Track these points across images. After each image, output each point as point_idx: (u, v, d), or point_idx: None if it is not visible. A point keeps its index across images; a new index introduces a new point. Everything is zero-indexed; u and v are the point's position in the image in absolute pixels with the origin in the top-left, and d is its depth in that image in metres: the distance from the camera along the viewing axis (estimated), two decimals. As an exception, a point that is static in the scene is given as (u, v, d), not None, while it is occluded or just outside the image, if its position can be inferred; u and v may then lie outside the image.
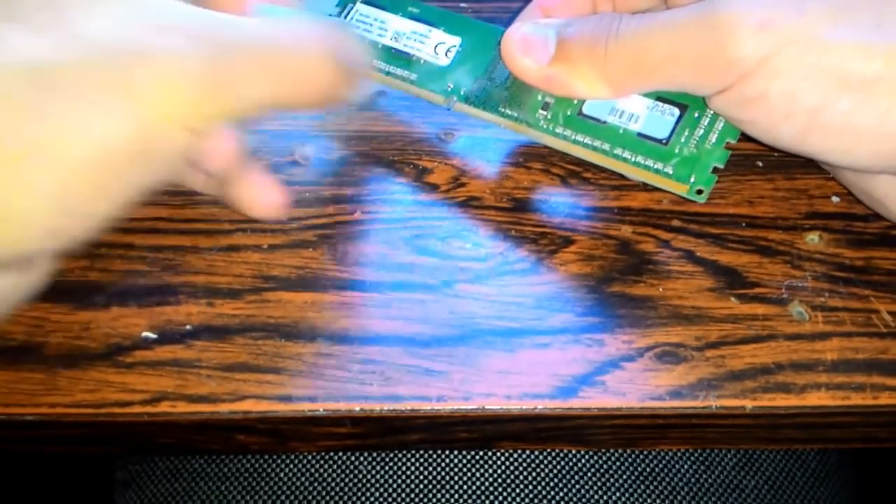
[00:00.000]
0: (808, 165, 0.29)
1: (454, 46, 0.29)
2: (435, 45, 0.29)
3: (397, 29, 0.29)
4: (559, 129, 0.27)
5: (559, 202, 0.29)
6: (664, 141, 0.26)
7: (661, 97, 0.26)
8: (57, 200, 0.18)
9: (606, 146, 0.26)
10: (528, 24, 0.26)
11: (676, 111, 0.26)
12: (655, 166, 0.26)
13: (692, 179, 0.25)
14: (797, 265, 0.28)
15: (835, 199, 0.29)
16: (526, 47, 0.26)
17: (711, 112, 0.26)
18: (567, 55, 0.25)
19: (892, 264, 0.28)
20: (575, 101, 0.27)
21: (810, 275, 0.27)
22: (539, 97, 0.27)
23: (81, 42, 0.19)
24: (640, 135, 0.26)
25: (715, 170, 0.25)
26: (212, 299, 0.27)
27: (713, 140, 0.26)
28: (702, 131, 0.26)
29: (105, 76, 0.18)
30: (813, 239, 0.28)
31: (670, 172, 0.26)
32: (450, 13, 0.29)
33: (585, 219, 0.29)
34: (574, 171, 0.30)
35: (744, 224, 0.29)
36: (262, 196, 0.25)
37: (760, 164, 0.30)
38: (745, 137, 0.26)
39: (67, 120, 0.18)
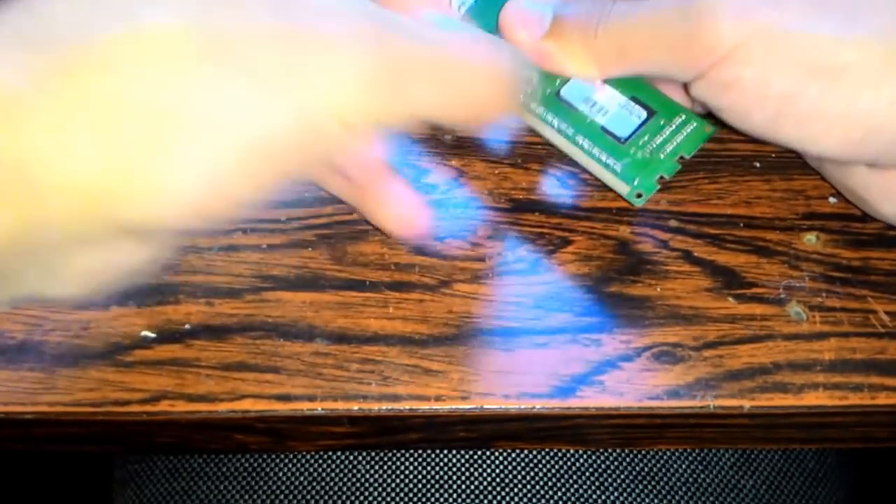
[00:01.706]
0: (805, 166, 0.29)
1: (466, 4, 0.29)
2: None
3: None
4: (534, 106, 0.28)
5: (557, 202, 0.29)
6: (623, 140, 0.27)
7: (636, 98, 0.27)
8: (209, 180, 0.17)
9: (570, 131, 0.27)
10: None
11: (644, 114, 0.27)
12: (606, 161, 0.27)
13: (635, 182, 0.26)
14: (795, 265, 0.28)
15: (832, 199, 0.29)
16: (523, 21, 0.27)
17: (677, 123, 0.27)
18: (560, 33, 0.26)
19: (889, 264, 0.28)
20: (556, 82, 0.27)
21: (808, 275, 0.28)
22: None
23: (264, 13, 0.18)
24: (603, 128, 0.27)
25: (661, 179, 0.26)
26: (211, 299, 0.27)
27: (668, 150, 0.26)
28: (660, 140, 0.27)
29: (282, 55, 0.18)
30: (810, 239, 0.28)
31: (618, 170, 0.26)
32: None
33: (583, 219, 0.29)
34: (572, 172, 0.30)
35: (741, 224, 0.29)
36: (401, 211, 0.24)
37: (758, 164, 0.30)
38: (744, 138, 0.26)
39: (238, 99, 0.17)
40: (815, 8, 0.23)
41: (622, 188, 0.26)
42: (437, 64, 0.20)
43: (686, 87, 0.26)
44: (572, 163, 0.29)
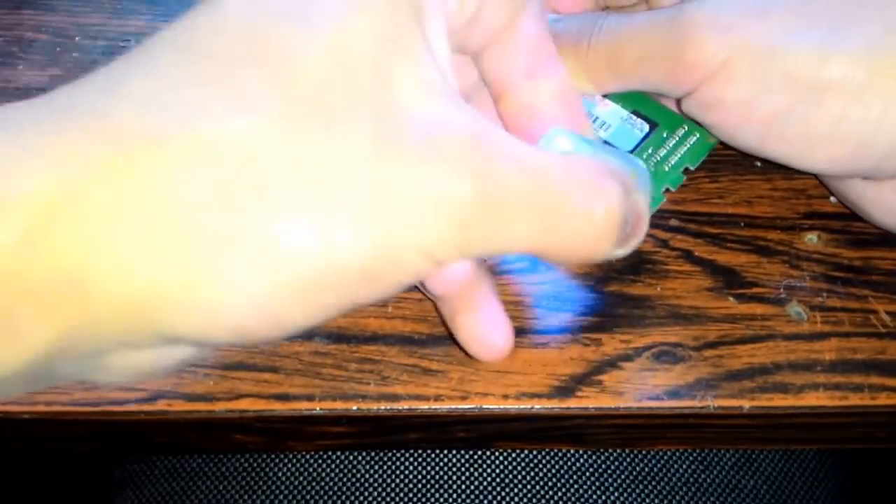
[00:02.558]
0: (806, 165, 0.29)
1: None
2: None
3: None
4: None
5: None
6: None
7: (638, 111, 0.27)
8: (255, 304, 0.16)
9: None
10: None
11: (647, 127, 0.27)
12: None
13: None
14: (795, 265, 0.28)
15: (833, 199, 0.29)
16: None
17: (680, 135, 0.27)
18: None
19: (890, 264, 0.28)
20: None
21: (809, 275, 0.27)
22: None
23: (355, 132, 0.16)
24: (605, 142, 0.27)
25: (666, 191, 0.26)
26: (209, 298, 0.27)
27: (672, 162, 0.26)
28: (664, 152, 0.26)
29: (363, 180, 0.16)
30: (811, 239, 0.28)
31: None
32: None
33: (584, 218, 0.29)
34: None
35: (742, 224, 0.29)
36: (486, 336, 0.22)
37: (759, 163, 0.30)
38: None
39: (303, 217, 0.15)
40: (800, 20, 0.23)
41: None
42: (540, 202, 0.18)
43: (677, 102, 0.26)
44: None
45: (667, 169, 0.26)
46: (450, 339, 0.26)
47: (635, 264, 0.28)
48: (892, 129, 0.22)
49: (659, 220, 0.29)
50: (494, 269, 0.28)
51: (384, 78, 0.17)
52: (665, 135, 0.27)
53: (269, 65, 0.16)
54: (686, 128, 0.27)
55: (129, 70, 0.17)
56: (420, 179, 0.16)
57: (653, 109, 0.27)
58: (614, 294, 0.27)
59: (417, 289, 0.26)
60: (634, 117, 0.27)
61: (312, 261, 0.16)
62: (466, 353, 0.24)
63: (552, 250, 0.19)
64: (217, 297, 0.15)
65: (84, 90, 0.16)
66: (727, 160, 0.30)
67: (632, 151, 0.26)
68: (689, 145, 0.26)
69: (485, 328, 0.22)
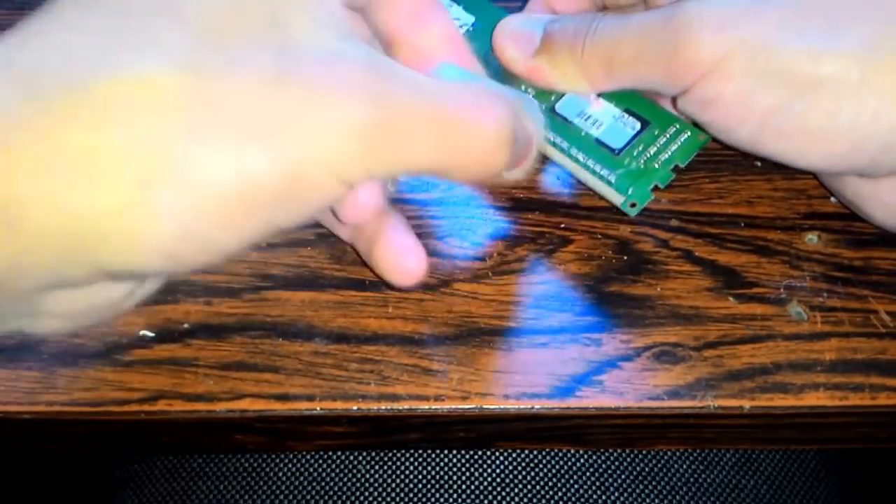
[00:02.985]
0: (806, 165, 0.29)
1: (466, 25, 0.29)
2: None
3: None
4: None
5: (558, 201, 0.29)
6: (617, 151, 0.27)
7: (630, 110, 0.27)
8: (183, 226, 0.17)
9: (565, 144, 0.27)
10: (519, 17, 0.27)
11: (638, 125, 0.27)
12: (601, 172, 0.27)
13: (629, 192, 0.26)
14: (796, 265, 0.28)
15: (833, 199, 0.29)
16: (514, 39, 0.27)
17: (671, 133, 0.27)
18: (550, 49, 0.26)
19: (890, 264, 0.28)
20: (551, 97, 0.28)
21: (809, 275, 0.27)
22: (522, 88, 0.28)
23: (253, 54, 0.18)
24: (597, 140, 0.27)
25: (655, 188, 0.26)
26: (210, 298, 0.27)
27: (662, 160, 0.26)
28: (654, 150, 0.27)
29: (269, 107, 0.17)
30: (812, 239, 0.28)
31: (612, 181, 0.26)
32: None
33: (584, 218, 0.29)
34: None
35: (742, 224, 0.29)
36: (400, 261, 0.23)
37: (759, 164, 0.30)
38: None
39: (217, 145, 0.17)
40: (795, 18, 0.23)
41: (616, 198, 0.26)
42: (439, 118, 0.19)
43: (673, 100, 0.26)
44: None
45: (656, 166, 0.26)
46: (450, 339, 0.26)
47: (635, 264, 0.28)
48: (887, 126, 0.22)
49: (659, 220, 0.29)
50: (494, 271, 0.28)
51: (279, 18, 0.19)
52: (656, 133, 0.27)
53: (170, 12, 0.18)
54: (677, 126, 0.27)
55: (37, 28, 0.18)
56: (322, 104, 0.18)
57: (645, 108, 0.27)
58: (614, 294, 0.27)
59: (335, 233, 0.26)
60: (626, 115, 0.27)
61: (230, 182, 0.17)
62: (387, 284, 0.25)
63: (450, 165, 0.20)
64: (146, 221, 0.17)
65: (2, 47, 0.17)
66: (727, 160, 0.30)
67: (622, 148, 0.27)
68: (679, 143, 0.27)
69: (398, 254, 0.23)
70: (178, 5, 0.18)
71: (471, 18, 0.29)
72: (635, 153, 0.26)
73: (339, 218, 0.22)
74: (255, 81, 0.17)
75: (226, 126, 0.17)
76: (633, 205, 0.26)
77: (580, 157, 0.27)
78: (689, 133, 0.27)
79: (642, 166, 0.26)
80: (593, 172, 0.27)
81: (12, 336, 0.26)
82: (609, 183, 0.26)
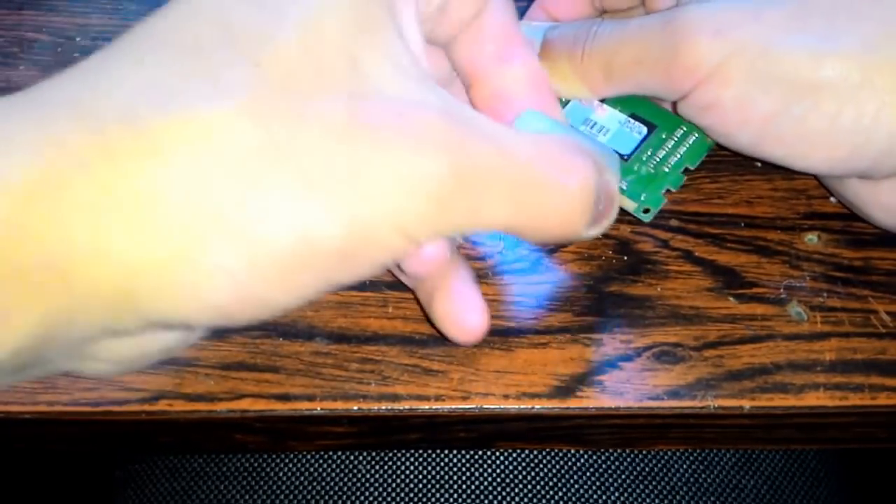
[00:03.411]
0: (806, 165, 0.29)
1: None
2: None
3: None
4: None
5: (558, 202, 0.29)
6: (626, 157, 0.26)
7: (636, 114, 0.27)
8: (236, 283, 0.16)
9: None
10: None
11: (645, 130, 0.27)
12: None
13: (642, 198, 0.26)
14: (796, 265, 0.28)
15: (833, 199, 0.29)
16: None
17: (678, 136, 0.27)
18: (549, 56, 0.26)
19: (890, 265, 0.28)
20: None
21: (809, 275, 0.27)
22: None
23: (327, 112, 0.16)
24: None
25: (667, 192, 0.26)
26: (210, 298, 0.27)
27: (672, 163, 0.26)
28: (663, 153, 0.26)
29: (337, 159, 0.16)
30: (812, 239, 0.28)
31: (623, 187, 0.26)
32: None
33: (584, 218, 0.29)
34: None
35: (742, 224, 0.29)
36: (461, 316, 0.22)
37: (759, 164, 0.30)
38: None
39: (279, 199, 0.16)
40: (794, 21, 0.23)
41: (629, 205, 0.26)
42: (518, 177, 0.18)
43: (674, 104, 0.26)
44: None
45: (667, 170, 0.26)
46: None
47: (635, 264, 0.28)
48: (887, 129, 0.22)
49: (659, 220, 0.29)
50: (494, 271, 0.28)
51: (355, 61, 0.18)
52: (664, 136, 0.27)
53: (242, 51, 0.17)
54: (684, 128, 0.26)
55: (105, 63, 0.17)
56: (394, 157, 0.17)
57: (650, 112, 0.27)
58: (615, 294, 0.27)
59: (393, 274, 0.26)
60: (632, 120, 0.27)
61: (289, 240, 0.16)
62: (443, 336, 0.23)
63: (527, 226, 0.19)
64: (197, 276, 0.16)
65: (62, 83, 0.17)
66: (727, 161, 0.30)
67: (631, 154, 0.26)
68: (687, 145, 0.26)
69: (460, 309, 0.22)
70: (254, 48, 0.17)
71: None
72: (644, 158, 0.26)
73: (403, 269, 0.21)
74: (325, 132, 0.16)
75: (290, 180, 0.16)
76: (647, 210, 0.26)
77: None
78: (696, 135, 0.26)
79: (653, 171, 0.26)
80: None
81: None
82: (621, 190, 0.26)
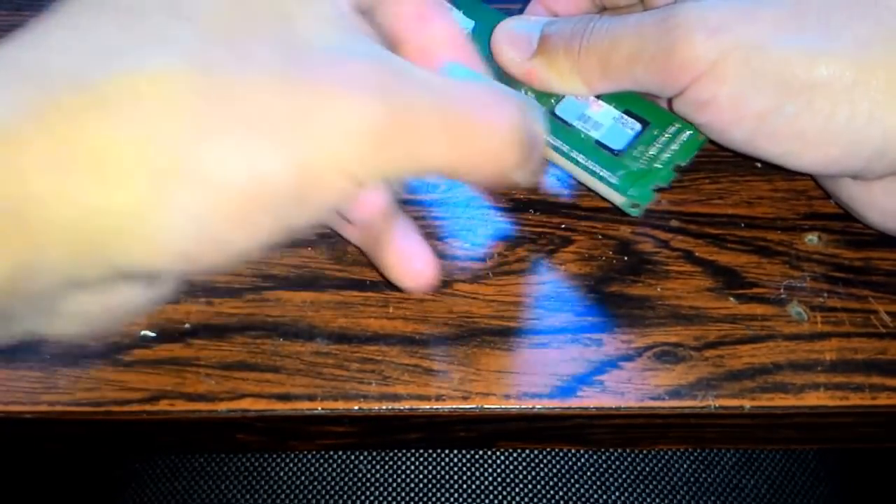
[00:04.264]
0: (807, 166, 0.29)
1: (465, 30, 0.29)
2: None
3: None
4: None
5: (558, 202, 0.29)
6: (618, 152, 0.27)
7: (629, 111, 0.27)
8: (197, 224, 0.17)
9: (566, 147, 0.27)
10: (517, 19, 0.27)
11: (638, 126, 0.27)
12: (602, 174, 0.26)
13: (631, 193, 0.26)
14: (796, 265, 0.28)
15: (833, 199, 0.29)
16: (512, 41, 0.27)
17: (671, 132, 0.27)
18: (547, 51, 0.26)
19: (890, 265, 0.28)
20: (551, 101, 0.27)
21: (809, 275, 0.28)
22: (522, 91, 0.28)
23: (267, 55, 0.18)
24: (597, 142, 0.27)
25: (657, 188, 0.26)
26: (211, 298, 0.27)
27: (663, 159, 0.26)
28: (655, 150, 0.26)
29: (283, 101, 0.17)
30: (812, 239, 0.28)
31: (613, 182, 0.26)
32: None
33: (584, 219, 0.29)
34: (573, 171, 0.30)
35: (742, 224, 0.29)
36: (409, 263, 0.23)
37: (759, 164, 0.30)
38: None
39: (231, 143, 0.17)
40: (790, 20, 0.23)
41: (618, 199, 0.26)
42: (451, 116, 0.19)
43: (669, 101, 0.26)
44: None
45: (658, 166, 0.26)
46: (451, 339, 0.26)
47: (636, 265, 0.28)
48: (881, 128, 0.22)
49: (659, 220, 0.29)
50: (494, 271, 0.28)
51: (287, 16, 0.19)
52: (656, 133, 0.27)
53: (179, 11, 0.18)
54: (677, 125, 0.27)
55: (47, 28, 0.18)
56: (333, 103, 0.17)
57: (644, 108, 0.27)
58: (615, 294, 0.27)
59: (338, 232, 0.26)
60: (626, 117, 0.27)
61: (242, 181, 0.17)
62: (389, 285, 0.24)
63: (463, 165, 0.20)
64: (161, 219, 0.16)
65: (7, 47, 0.17)
66: (728, 161, 0.30)
67: (623, 150, 0.26)
68: (680, 143, 0.26)
69: (407, 256, 0.23)
70: (187, 5, 0.18)
71: (470, 23, 0.29)
72: (636, 154, 0.26)
73: (347, 217, 0.22)
74: (266, 79, 0.17)
75: (238, 125, 0.17)
76: (636, 205, 0.26)
77: (581, 159, 0.27)
78: (689, 132, 0.27)
79: (644, 167, 0.26)
80: (594, 174, 0.27)
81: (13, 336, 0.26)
82: (610, 184, 0.26)
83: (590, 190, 0.28)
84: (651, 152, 0.26)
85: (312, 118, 0.17)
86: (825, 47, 0.23)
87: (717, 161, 0.30)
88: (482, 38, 0.28)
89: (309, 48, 0.18)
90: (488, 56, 0.28)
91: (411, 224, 0.24)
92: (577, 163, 0.27)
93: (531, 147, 0.21)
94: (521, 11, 0.29)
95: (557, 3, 0.29)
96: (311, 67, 0.18)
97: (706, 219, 0.29)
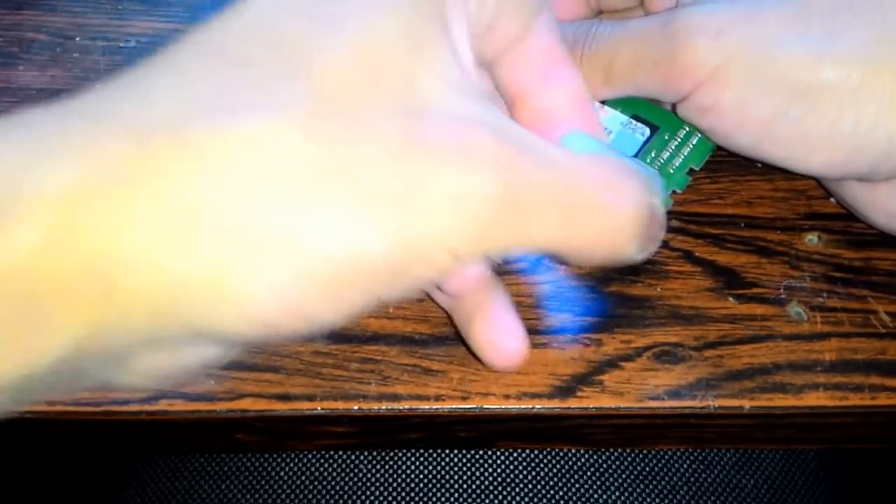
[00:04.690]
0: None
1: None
2: None
3: None
4: None
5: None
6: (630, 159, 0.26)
7: (637, 115, 0.27)
8: (283, 297, 0.16)
9: None
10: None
11: (648, 131, 0.27)
12: None
13: None
14: (796, 265, 0.28)
15: (833, 199, 0.29)
16: None
17: (681, 136, 0.26)
18: None
19: (890, 265, 0.28)
20: None
21: (809, 275, 0.27)
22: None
23: (381, 128, 0.16)
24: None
25: (673, 194, 0.26)
26: (211, 298, 0.27)
27: (676, 164, 0.26)
28: (667, 154, 0.26)
29: (389, 177, 0.16)
30: (812, 239, 0.28)
31: None
32: None
33: (584, 218, 0.29)
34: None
35: (742, 224, 0.29)
36: (500, 342, 0.22)
37: (759, 164, 0.30)
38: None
39: (329, 214, 0.16)
40: (794, 23, 0.23)
41: None
42: (569, 196, 0.18)
43: (673, 106, 0.26)
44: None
45: (671, 171, 0.26)
46: (450, 339, 0.26)
47: (635, 265, 0.28)
48: (887, 132, 0.22)
49: (659, 220, 0.29)
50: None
51: (409, 76, 0.17)
52: (667, 137, 0.26)
53: (295, 65, 0.17)
54: (687, 129, 0.26)
55: (152, 73, 0.17)
56: (444, 174, 0.16)
57: (652, 112, 0.27)
58: (615, 294, 0.27)
59: (429, 295, 0.26)
60: (634, 122, 0.27)
61: (337, 255, 0.16)
62: (481, 361, 0.23)
63: (575, 248, 0.19)
64: (244, 288, 0.15)
65: (106, 92, 0.16)
66: (728, 161, 0.30)
67: (635, 156, 0.26)
68: (691, 146, 0.26)
69: (499, 334, 0.22)
70: (307, 60, 0.17)
71: None
72: (648, 160, 0.26)
73: (441, 288, 0.21)
74: (376, 147, 0.16)
75: (341, 196, 0.16)
76: None
77: None
78: (699, 135, 0.26)
79: (658, 172, 0.26)
80: None
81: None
82: None
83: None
84: (664, 157, 0.26)
85: (421, 191, 0.16)
86: (830, 50, 0.22)
87: (718, 161, 0.30)
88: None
89: (430, 115, 0.17)
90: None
91: (506, 296, 0.22)
92: None
93: (651, 228, 0.19)
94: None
95: (554, 7, 0.28)
96: (430, 136, 0.17)
97: (706, 219, 0.29)
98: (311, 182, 0.16)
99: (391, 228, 0.16)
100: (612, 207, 0.18)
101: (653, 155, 0.26)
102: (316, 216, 0.16)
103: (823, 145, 0.23)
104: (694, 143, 0.26)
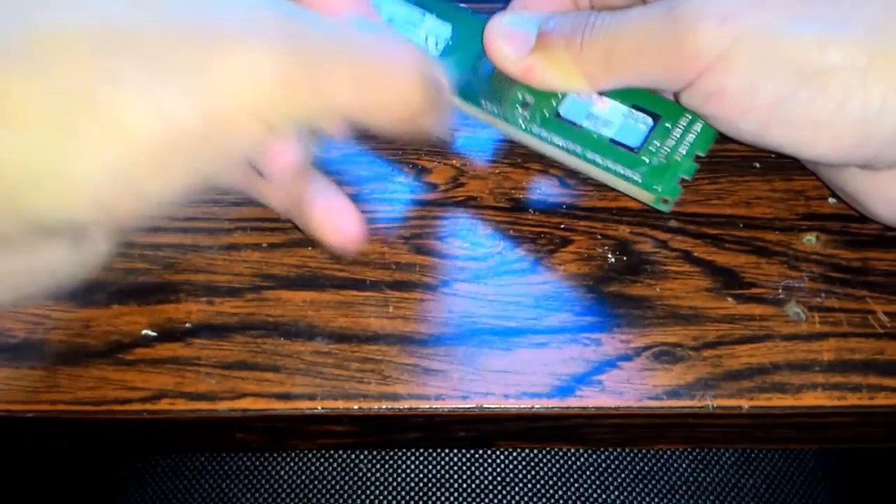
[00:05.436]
0: (805, 167, 0.29)
1: (444, 38, 0.29)
2: (425, 35, 0.29)
3: (391, 12, 0.29)
4: (536, 129, 0.27)
5: (557, 202, 0.29)
6: (635, 149, 0.26)
7: (637, 105, 0.26)
8: (112, 169, 0.17)
9: (579, 149, 0.26)
10: (510, 15, 0.27)
11: (650, 120, 0.26)
12: (624, 172, 0.26)
13: (659, 189, 0.26)
14: (794, 266, 0.28)
15: (831, 200, 0.29)
16: (508, 38, 0.26)
17: (684, 124, 0.26)
18: (546, 47, 0.26)
19: (888, 265, 0.28)
20: (553, 103, 0.27)
21: (807, 275, 0.28)
22: (519, 95, 0.27)
23: (169, 9, 0.18)
24: (612, 141, 0.26)
25: (682, 181, 0.26)
26: (212, 297, 0.27)
27: (683, 152, 0.26)
28: (672, 142, 0.26)
29: (187, 51, 0.18)
30: (810, 240, 0.28)
31: (638, 180, 0.26)
32: (444, 1, 0.29)
33: (583, 219, 0.29)
34: (572, 172, 0.30)
35: (741, 225, 0.29)
36: (335, 221, 0.24)
37: (758, 165, 0.30)
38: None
39: (139, 88, 0.17)
40: (800, 6, 0.23)
41: (646, 196, 0.26)
42: (357, 59, 0.20)
43: (676, 95, 0.26)
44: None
45: (679, 159, 0.26)
46: (450, 339, 0.27)
47: (635, 265, 0.28)
48: (894, 115, 0.22)
49: (658, 220, 0.29)
50: (494, 271, 0.28)
51: None
52: (669, 125, 0.26)
53: None
54: (689, 116, 0.26)
55: None
56: (240, 49, 0.18)
57: (652, 101, 0.26)
58: (614, 294, 0.27)
59: (259, 202, 0.26)
60: (636, 112, 0.26)
61: (153, 126, 0.17)
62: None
63: (369, 107, 0.21)
64: (73, 167, 0.17)
65: None
66: (726, 161, 0.30)
67: (641, 146, 0.26)
68: (695, 133, 0.26)
69: (332, 211, 0.24)
70: None
71: (447, 30, 0.29)
72: (653, 148, 0.26)
73: (271, 175, 0.22)
74: (172, 31, 0.18)
75: (145, 71, 0.17)
76: (666, 200, 0.26)
77: (598, 159, 0.26)
78: (702, 122, 0.26)
79: (664, 161, 0.26)
80: (615, 173, 0.26)
81: (15, 335, 0.26)
82: (635, 182, 0.26)
83: (589, 184, 0.28)
84: (669, 145, 0.26)
85: (220, 63, 0.18)
86: (837, 32, 0.22)
87: (717, 161, 0.30)
88: (462, 43, 0.28)
89: (218, 6, 0.19)
90: (475, 60, 0.28)
91: (332, 183, 0.24)
92: (595, 164, 0.26)
93: (434, 90, 0.22)
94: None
95: (542, 3, 0.28)
96: (216, 19, 0.18)
97: (705, 219, 0.29)
98: (116, 64, 0.17)
99: (196, 99, 0.18)
100: (392, 65, 0.21)
101: (657, 144, 0.26)
102: (126, 89, 0.17)
103: (831, 128, 0.23)
104: (697, 130, 0.26)
